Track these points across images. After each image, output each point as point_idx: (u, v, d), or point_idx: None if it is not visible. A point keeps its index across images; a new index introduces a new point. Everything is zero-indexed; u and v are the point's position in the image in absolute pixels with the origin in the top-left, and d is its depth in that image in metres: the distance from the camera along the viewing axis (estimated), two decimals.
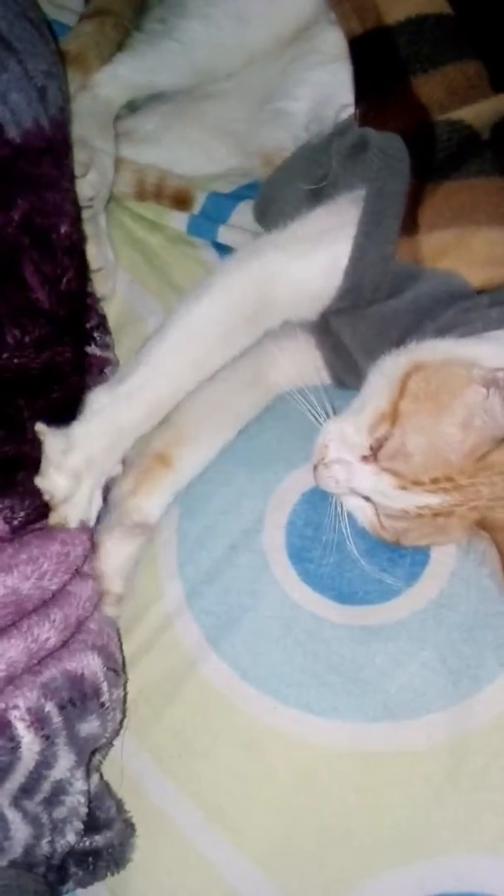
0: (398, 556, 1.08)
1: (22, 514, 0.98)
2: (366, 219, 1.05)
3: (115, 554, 1.06)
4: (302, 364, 1.17)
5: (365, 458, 1.00)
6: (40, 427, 1.01)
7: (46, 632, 0.89)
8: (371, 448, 0.99)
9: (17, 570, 0.87)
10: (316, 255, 1.07)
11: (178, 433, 1.12)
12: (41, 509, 1.00)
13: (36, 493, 0.99)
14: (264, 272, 1.07)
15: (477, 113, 1.14)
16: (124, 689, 0.97)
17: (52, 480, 1.00)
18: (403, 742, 0.98)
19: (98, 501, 1.06)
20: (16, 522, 0.97)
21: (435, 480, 0.96)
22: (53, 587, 0.91)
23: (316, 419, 1.07)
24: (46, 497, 1.01)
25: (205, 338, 1.06)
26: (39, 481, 1.00)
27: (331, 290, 1.07)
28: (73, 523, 1.02)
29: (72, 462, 1.01)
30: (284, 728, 0.99)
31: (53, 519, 1.01)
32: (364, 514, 1.04)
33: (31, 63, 1.10)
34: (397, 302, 1.05)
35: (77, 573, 0.98)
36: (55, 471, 1.00)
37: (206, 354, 1.07)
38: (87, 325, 1.19)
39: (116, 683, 0.94)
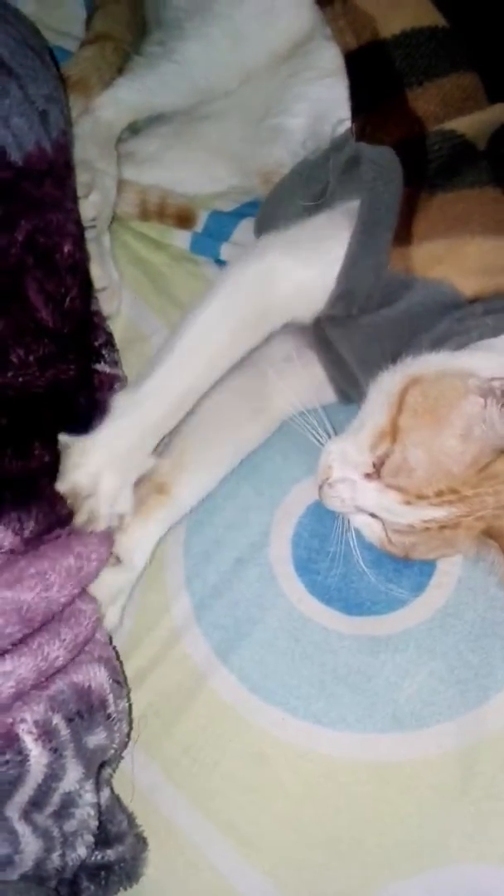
0: (404, 566, 1.08)
1: (31, 523, 0.98)
2: (360, 227, 1.06)
3: (105, 582, 1.05)
4: (302, 387, 1.18)
5: (368, 476, 1.00)
6: (63, 437, 1.02)
7: (56, 650, 0.89)
8: (374, 465, 0.99)
9: (22, 582, 0.88)
10: (314, 257, 1.09)
11: (179, 462, 1.12)
12: (54, 516, 1.00)
13: (44, 501, 1.00)
14: (268, 273, 1.09)
15: (471, 123, 1.15)
16: (128, 700, 0.98)
17: (70, 480, 1.01)
18: (412, 752, 0.98)
19: (127, 499, 1.05)
20: (27, 533, 0.97)
21: (439, 493, 0.96)
22: (62, 599, 0.92)
23: (317, 440, 1.07)
24: (69, 501, 1.01)
25: (217, 336, 1.07)
26: (59, 485, 1.00)
27: (327, 293, 1.08)
28: (100, 522, 1.02)
29: (92, 461, 1.02)
30: (293, 740, 0.99)
31: (79, 519, 1.01)
32: (372, 531, 1.05)
33: (33, 88, 1.12)
34: (389, 311, 1.05)
35: (87, 590, 0.99)
36: (74, 470, 1.01)
37: (218, 353, 1.08)
38: (96, 343, 1.20)
39: (121, 695, 0.94)
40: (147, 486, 1.10)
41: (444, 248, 1.05)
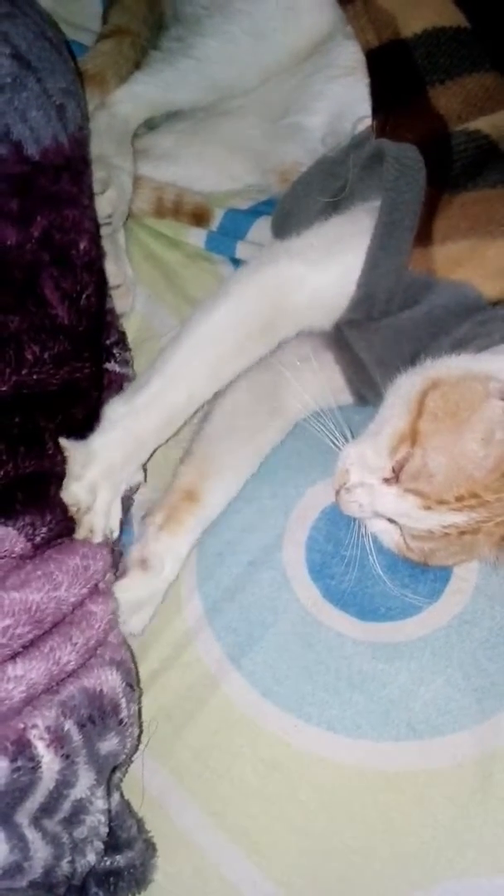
0: (420, 571, 1.07)
1: (44, 529, 0.97)
2: (380, 229, 1.04)
3: (133, 589, 1.05)
4: (318, 387, 1.16)
5: (387, 481, 0.98)
6: (64, 442, 1.01)
7: (67, 654, 0.88)
8: (393, 470, 0.98)
9: (30, 584, 0.87)
10: (330, 263, 1.07)
11: (204, 468, 1.11)
12: (64, 524, 1.00)
13: (57, 508, 0.99)
14: (279, 280, 1.07)
15: (494, 123, 1.13)
16: (138, 703, 0.96)
17: (73, 493, 1.00)
18: (428, 761, 0.96)
19: (117, 512, 1.05)
20: (38, 539, 0.96)
21: (460, 498, 0.94)
22: (72, 598, 0.90)
23: (334, 443, 1.06)
24: (72, 510, 1.01)
25: (220, 346, 1.06)
26: (63, 495, 1.00)
27: (344, 299, 1.06)
28: (98, 535, 1.01)
29: (90, 473, 1.01)
30: (306, 747, 0.98)
31: (80, 533, 1.01)
32: (389, 537, 1.03)
33: (50, 81, 1.11)
34: (411, 314, 1.04)
35: (98, 590, 0.97)
36: (75, 482, 1.01)
37: (221, 363, 1.06)
38: (107, 342, 1.19)
39: (133, 698, 0.93)
40: (176, 494, 1.10)
41: (467, 250, 1.03)
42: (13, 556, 0.92)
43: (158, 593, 1.07)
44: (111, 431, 1.04)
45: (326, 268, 1.07)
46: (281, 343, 1.09)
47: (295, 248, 1.09)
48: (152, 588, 1.06)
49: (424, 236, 1.04)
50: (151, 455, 1.08)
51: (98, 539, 1.02)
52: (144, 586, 1.05)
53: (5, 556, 0.92)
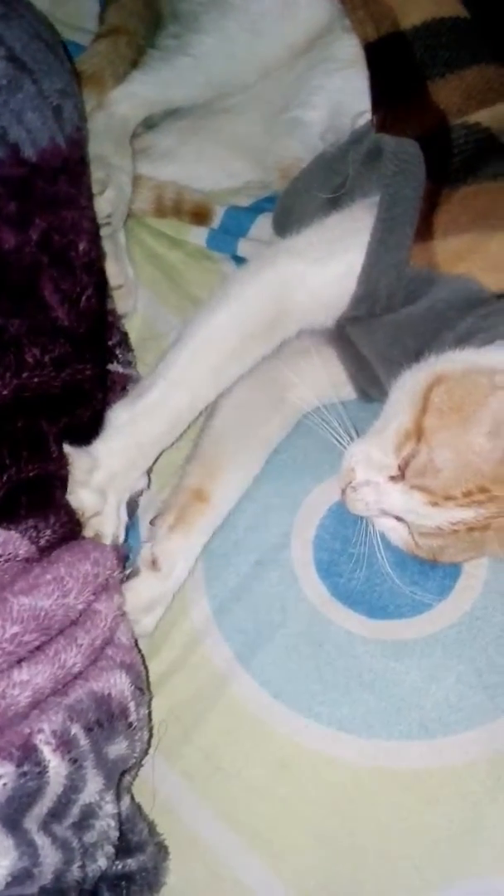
0: (429, 568, 1.06)
1: (48, 532, 0.96)
2: (380, 225, 1.03)
3: (144, 590, 1.04)
4: (319, 382, 1.15)
5: (393, 478, 0.98)
6: (67, 449, 1.01)
7: (73, 657, 0.87)
8: (399, 467, 0.97)
9: (39, 589, 0.86)
10: (330, 261, 1.06)
11: (213, 466, 1.11)
12: (69, 527, 0.99)
13: (61, 510, 0.98)
14: (279, 279, 1.07)
15: (494, 115, 1.12)
16: (148, 706, 0.95)
17: (80, 498, 1.00)
18: (440, 760, 0.96)
19: (123, 517, 1.06)
20: (42, 542, 0.96)
21: (468, 493, 0.93)
22: (80, 606, 0.90)
23: (339, 442, 1.05)
24: (79, 514, 1.01)
25: (222, 348, 1.06)
26: (70, 499, 1.00)
27: (346, 296, 1.06)
28: (107, 537, 1.02)
29: (97, 479, 1.01)
30: (317, 747, 0.97)
31: (87, 535, 1.01)
32: (398, 535, 1.02)
33: (46, 82, 1.10)
34: (413, 309, 1.03)
35: (104, 589, 0.97)
36: (81, 488, 1.01)
37: (224, 364, 1.06)
38: (109, 343, 1.18)
39: (142, 702, 0.92)
40: (184, 494, 1.09)
41: (468, 244, 1.02)
42: (17, 559, 0.92)
43: (169, 593, 1.06)
44: (114, 438, 1.04)
45: (327, 265, 1.07)
46: (283, 342, 1.09)
47: (295, 246, 1.09)
48: (163, 588, 1.06)
49: (425, 231, 1.03)
50: (156, 459, 1.08)
51: (108, 540, 1.02)
52: (156, 587, 1.05)
53: (9, 558, 0.91)
